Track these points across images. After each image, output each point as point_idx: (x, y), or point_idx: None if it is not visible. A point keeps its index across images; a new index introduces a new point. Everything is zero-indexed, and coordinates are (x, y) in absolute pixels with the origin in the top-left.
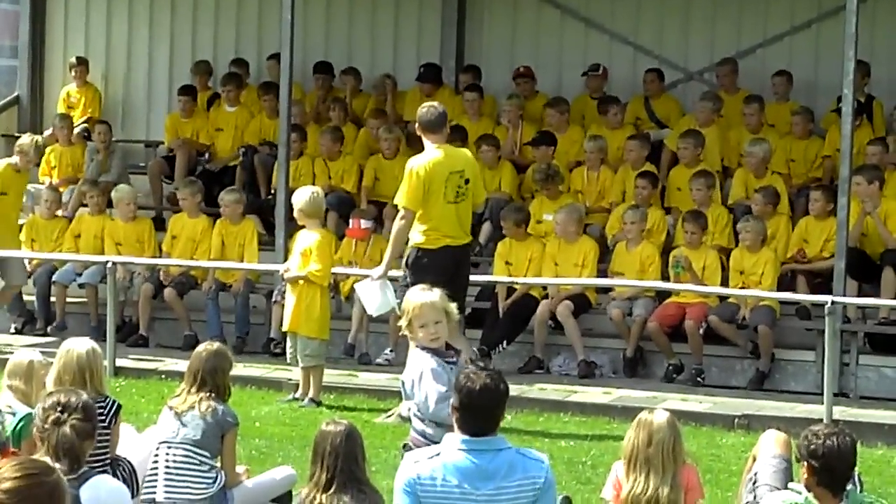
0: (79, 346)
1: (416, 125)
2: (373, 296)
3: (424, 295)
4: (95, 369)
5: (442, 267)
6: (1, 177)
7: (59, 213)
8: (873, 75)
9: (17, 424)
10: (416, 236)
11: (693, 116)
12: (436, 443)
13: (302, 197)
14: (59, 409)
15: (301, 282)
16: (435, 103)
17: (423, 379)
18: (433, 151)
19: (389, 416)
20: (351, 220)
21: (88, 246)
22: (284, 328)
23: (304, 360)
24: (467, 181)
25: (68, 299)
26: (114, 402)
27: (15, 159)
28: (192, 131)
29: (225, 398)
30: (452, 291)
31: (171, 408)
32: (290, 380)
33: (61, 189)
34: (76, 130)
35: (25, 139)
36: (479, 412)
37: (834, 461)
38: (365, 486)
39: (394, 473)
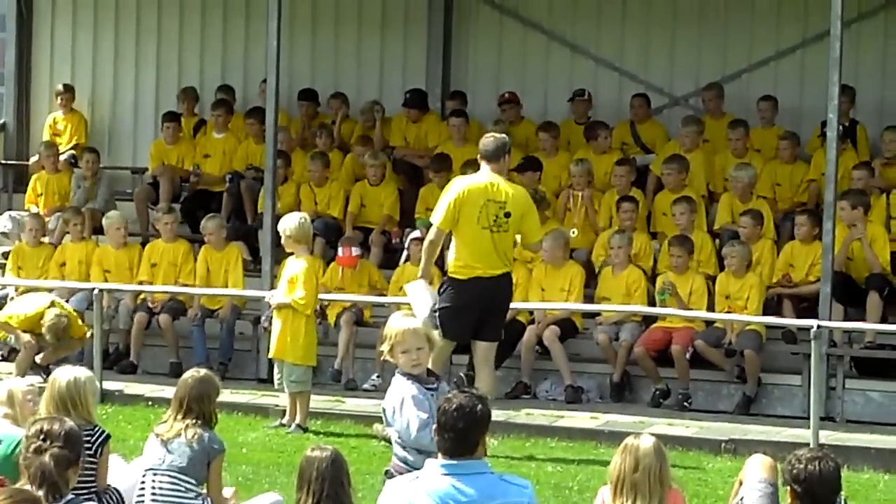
0: (63, 375)
1: (479, 157)
2: (422, 296)
3: (407, 321)
4: (80, 398)
5: (474, 297)
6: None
7: (46, 239)
8: (858, 99)
9: (13, 448)
10: (451, 264)
11: (678, 142)
12: (418, 469)
13: (290, 223)
14: (41, 437)
15: (286, 309)
16: (497, 134)
17: (403, 406)
18: (479, 176)
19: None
20: (340, 248)
21: (73, 273)
22: (270, 355)
23: (290, 386)
24: (508, 214)
25: None
26: (102, 431)
27: None
28: (177, 158)
29: (212, 425)
30: (490, 320)
31: (157, 435)
32: (276, 406)
33: (46, 218)
34: (63, 157)
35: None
36: (453, 433)
37: (815, 486)
38: None
39: None
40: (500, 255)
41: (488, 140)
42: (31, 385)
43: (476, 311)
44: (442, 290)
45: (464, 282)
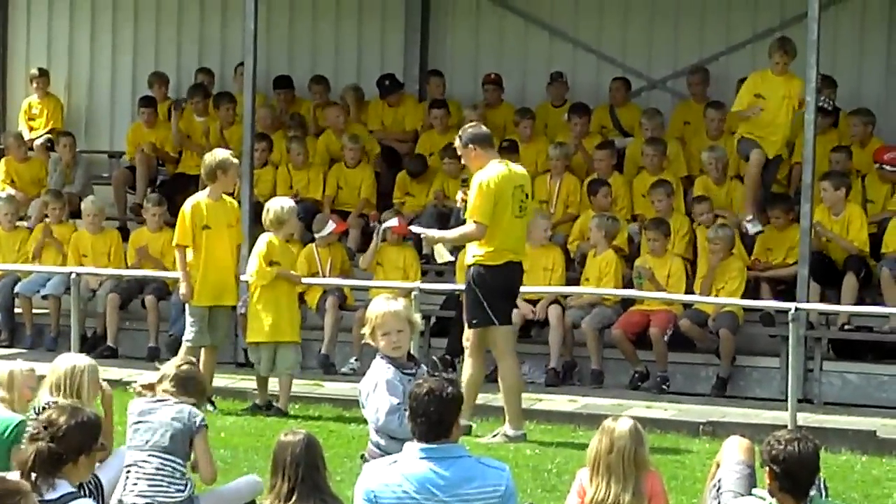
0: (64, 362)
1: (466, 143)
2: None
3: (389, 304)
4: (78, 386)
5: (510, 281)
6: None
7: (22, 224)
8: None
9: (13, 431)
10: (479, 254)
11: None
12: (390, 454)
13: (286, 204)
14: (43, 425)
15: (273, 290)
16: (472, 123)
17: (376, 390)
18: (497, 165)
19: (495, 435)
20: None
21: (51, 257)
22: (263, 339)
23: (293, 368)
24: (527, 196)
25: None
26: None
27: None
28: (155, 141)
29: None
30: (513, 306)
31: (139, 394)
32: (254, 390)
33: (21, 203)
34: (39, 142)
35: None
36: (425, 417)
37: (795, 467)
38: (326, 495)
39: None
40: (524, 240)
41: (479, 127)
42: (31, 370)
43: (510, 296)
44: (478, 281)
45: (499, 266)
